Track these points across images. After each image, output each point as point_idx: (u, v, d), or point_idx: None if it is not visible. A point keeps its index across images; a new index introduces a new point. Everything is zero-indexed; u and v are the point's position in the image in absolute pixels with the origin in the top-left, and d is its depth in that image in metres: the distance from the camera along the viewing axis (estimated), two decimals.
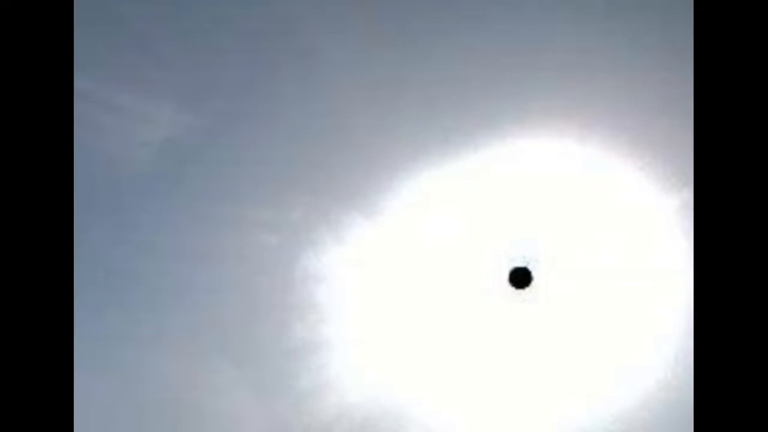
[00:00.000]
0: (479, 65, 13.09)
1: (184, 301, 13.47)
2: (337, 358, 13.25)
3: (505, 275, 11.21)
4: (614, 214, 12.71)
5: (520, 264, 11.15)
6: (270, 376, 13.24)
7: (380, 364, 13.10)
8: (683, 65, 12.26)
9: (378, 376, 13.12)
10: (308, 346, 13.21)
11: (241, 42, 13.28)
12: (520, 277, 11.09)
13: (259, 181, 13.32)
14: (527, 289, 11.19)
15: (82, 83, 12.70)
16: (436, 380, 12.89)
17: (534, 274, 11.12)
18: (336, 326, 13.26)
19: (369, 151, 13.08)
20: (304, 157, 13.22)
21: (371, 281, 13.21)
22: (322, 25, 13.19)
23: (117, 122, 13.50)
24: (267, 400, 13.20)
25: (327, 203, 13.16)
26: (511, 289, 11.15)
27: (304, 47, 13.22)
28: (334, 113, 13.09)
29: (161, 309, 13.42)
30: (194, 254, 13.36)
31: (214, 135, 13.46)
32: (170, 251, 13.43)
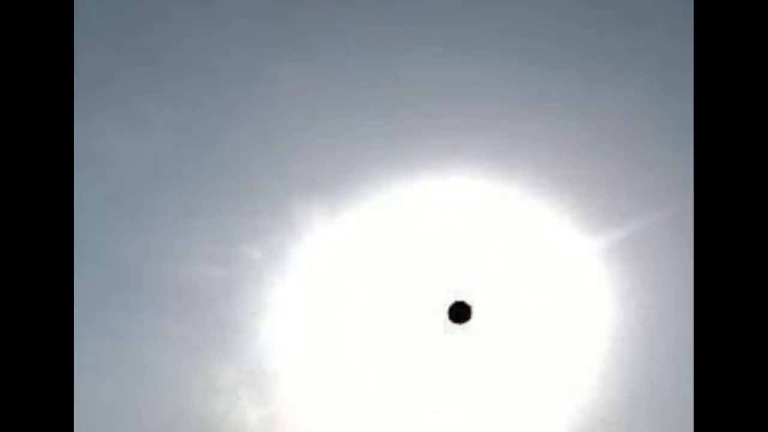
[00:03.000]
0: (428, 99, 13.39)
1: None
2: (279, 390, 13.31)
3: (443, 308, 11.31)
4: (540, 253, 13.20)
5: (459, 298, 11.26)
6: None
7: (321, 395, 13.17)
8: (605, 108, 12.96)
9: (319, 408, 13.16)
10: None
11: None
12: (459, 312, 11.18)
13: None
14: (466, 324, 11.34)
15: None
16: (376, 414, 13.01)
17: (473, 309, 11.23)
18: (278, 358, 13.35)
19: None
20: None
21: (311, 311, 13.37)
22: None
23: None
24: None
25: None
26: (450, 324, 11.29)
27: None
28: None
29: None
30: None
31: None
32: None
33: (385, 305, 13.01)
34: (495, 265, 12.79)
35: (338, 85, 13.51)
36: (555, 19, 13.55)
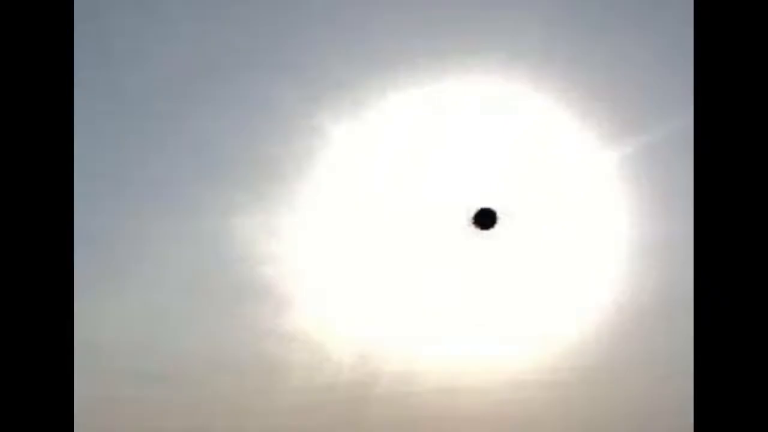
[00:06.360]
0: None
1: None
2: (300, 310, 13.43)
3: (467, 213, 11.33)
4: (562, 161, 13.09)
5: (484, 204, 11.28)
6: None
7: (347, 308, 13.29)
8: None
9: (345, 321, 13.31)
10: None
11: None
12: (485, 218, 11.20)
13: None
14: (490, 230, 11.39)
15: None
16: (403, 320, 13.14)
17: (497, 214, 11.26)
18: (298, 275, 13.42)
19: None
20: None
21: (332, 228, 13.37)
22: None
23: None
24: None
25: None
26: (475, 229, 11.33)
27: None
28: None
29: None
30: None
31: None
32: None
33: (408, 209, 13.05)
34: (519, 172, 12.73)
35: None
36: None
